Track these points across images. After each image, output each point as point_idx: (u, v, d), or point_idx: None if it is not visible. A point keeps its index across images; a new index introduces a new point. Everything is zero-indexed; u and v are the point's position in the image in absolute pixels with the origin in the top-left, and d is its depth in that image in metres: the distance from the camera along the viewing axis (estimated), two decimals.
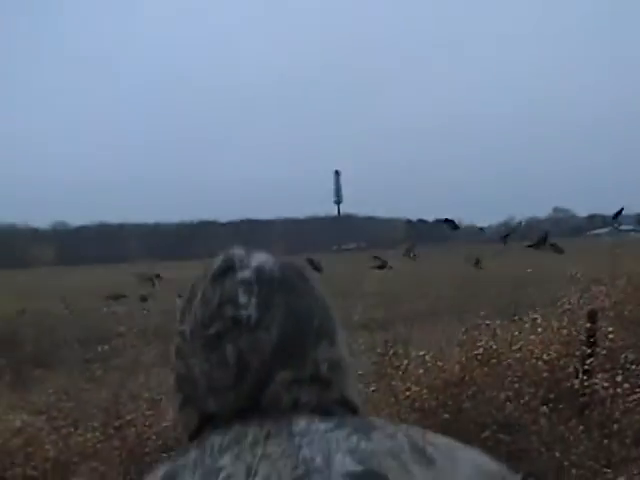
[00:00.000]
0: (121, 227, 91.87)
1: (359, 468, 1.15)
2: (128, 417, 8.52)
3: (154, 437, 8.22)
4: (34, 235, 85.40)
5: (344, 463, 1.16)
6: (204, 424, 1.30)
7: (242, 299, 1.28)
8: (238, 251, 1.38)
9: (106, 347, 11.25)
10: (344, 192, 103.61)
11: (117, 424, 8.44)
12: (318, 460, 1.17)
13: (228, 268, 1.34)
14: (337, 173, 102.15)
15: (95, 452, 8.19)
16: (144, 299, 26.14)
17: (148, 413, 8.64)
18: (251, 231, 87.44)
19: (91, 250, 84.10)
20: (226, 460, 1.20)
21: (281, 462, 1.17)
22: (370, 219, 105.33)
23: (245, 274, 1.31)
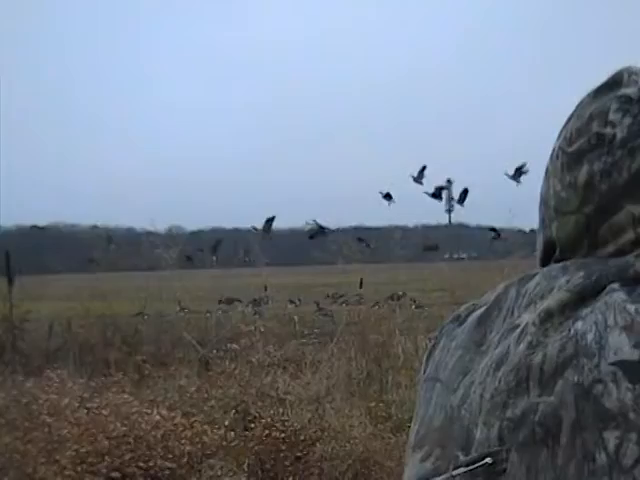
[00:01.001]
0: (235, 231, 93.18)
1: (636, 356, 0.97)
2: (258, 414, 8.88)
3: (282, 435, 8.54)
4: (154, 238, 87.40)
5: (619, 345, 0.99)
6: (549, 251, 1.22)
7: (613, 116, 1.13)
8: (635, 67, 1.19)
9: (227, 347, 11.72)
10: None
11: (247, 421, 8.80)
12: (589, 338, 1.02)
13: (614, 82, 1.17)
14: (449, 181, 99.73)
15: (226, 448, 8.56)
16: (256, 303, 26.66)
17: (276, 411, 8.98)
18: (360, 238, 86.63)
19: (208, 254, 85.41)
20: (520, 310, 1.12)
21: (551, 338, 1.05)
22: (482, 228, 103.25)
23: (628, 90, 1.15)
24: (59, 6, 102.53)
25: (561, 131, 1.21)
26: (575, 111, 1.18)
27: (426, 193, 22.84)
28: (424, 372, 1.31)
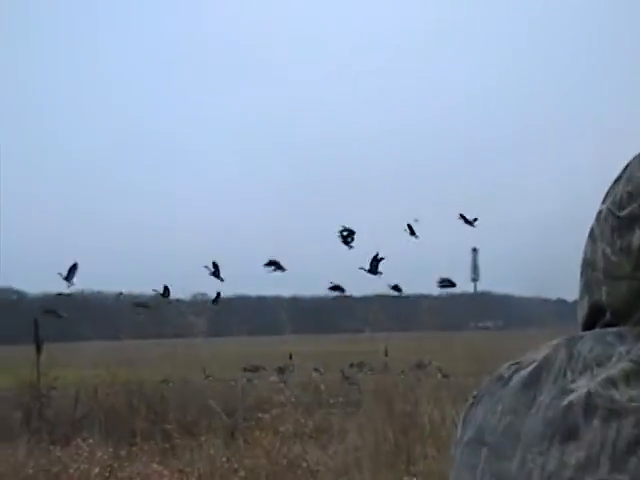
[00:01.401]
0: (261, 299, 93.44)
1: None
2: None
3: None
4: (180, 305, 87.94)
5: None
6: (596, 315, 1.19)
7: None
8: None
9: (254, 415, 11.69)
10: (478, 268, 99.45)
11: None
12: None
13: None
14: (474, 250, 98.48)
15: None
16: (281, 371, 26.65)
17: None
18: (386, 307, 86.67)
19: (234, 321, 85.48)
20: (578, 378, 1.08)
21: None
22: (506, 297, 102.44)
23: None
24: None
25: (608, 192, 1.17)
26: (624, 173, 1.14)
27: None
28: (461, 436, 1.25)
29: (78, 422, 16.39)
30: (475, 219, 23.29)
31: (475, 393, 1.26)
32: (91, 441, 11.65)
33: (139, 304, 31.05)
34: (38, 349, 20.73)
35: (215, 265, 24.12)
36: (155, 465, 9.87)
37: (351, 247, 21.74)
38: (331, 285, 23.83)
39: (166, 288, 23.37)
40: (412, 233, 23.05)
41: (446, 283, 24.87)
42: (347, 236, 22.22)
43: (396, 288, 24.14)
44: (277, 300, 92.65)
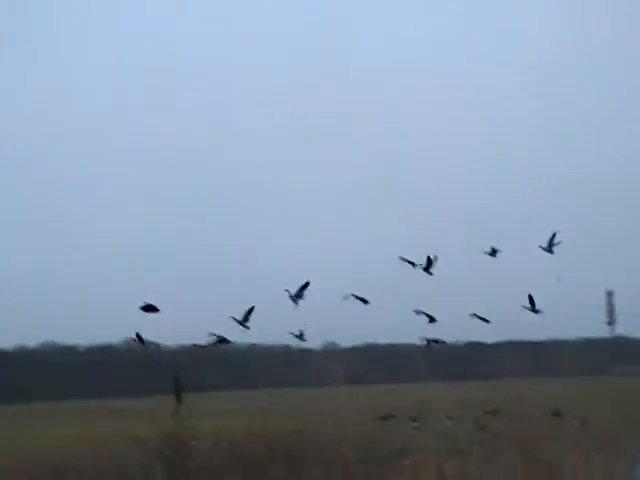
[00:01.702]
0: (392, 347, 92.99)
1: None
2: None
3: None
4: (310, 355, 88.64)
5: None
6: None
7: None
8: None
9: (392, 463, 11.63)
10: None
11: None
12: None
13: None
14: (609, 294, 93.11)
15: None
16: (415, 419, 26.41)
17: None
18: (518, 352, 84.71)
19: (369, 369, 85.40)
20: None
21: None
22: None
23: None
24: None
25: None
26: None
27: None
28: None
29: (218, 472, 16.65)
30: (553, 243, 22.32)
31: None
32: None
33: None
34: (178, 399, 21.22)
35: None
36: None
37: (430, 274, 21.61)
38: (427, 339, 23.41)
39: (301, 334, 23.62)
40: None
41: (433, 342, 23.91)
42: (429, 263, 22.05)
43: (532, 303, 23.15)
44: (410, 347, 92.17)
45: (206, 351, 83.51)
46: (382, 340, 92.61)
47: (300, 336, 22.29)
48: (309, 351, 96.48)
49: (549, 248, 21.00)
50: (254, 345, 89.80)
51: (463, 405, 29.78)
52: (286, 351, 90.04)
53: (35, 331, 79.76)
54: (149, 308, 21.58)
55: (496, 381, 53.77)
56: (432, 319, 21.39)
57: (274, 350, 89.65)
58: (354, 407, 27.95)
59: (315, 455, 18.06)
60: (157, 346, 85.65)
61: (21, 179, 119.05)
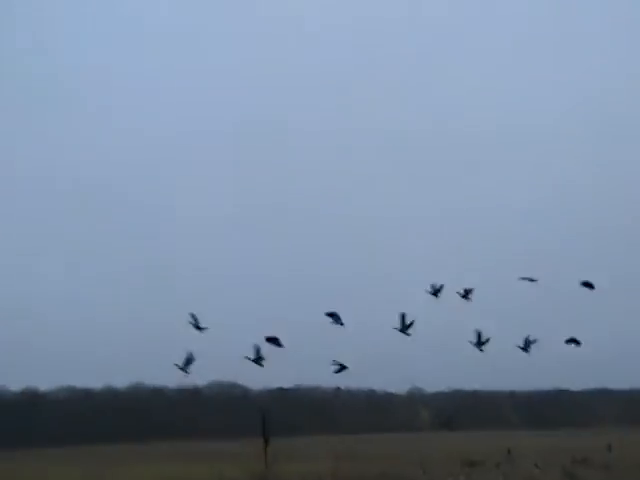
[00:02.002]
0: (474, 394, 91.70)
1: None
2: None
3: None
4: (395, 399, 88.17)
5: None
6: None
7: None
8: None
9: None
10: None
11: None
12: None
13: None
14: None
15: None
16: (498, 466, 26.38)
17: None
18: (603, 401, 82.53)
19: (452, 414, 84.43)
20: None
21: None
22: None
23: None
24: None
25: None
26: None
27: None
28: None
29: None
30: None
31: None
32: None
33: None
34: (266, 442, 21.75)
35: None
36: None
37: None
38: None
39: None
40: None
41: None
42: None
43: None
44: (494, 394, 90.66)
45: (292, 395, 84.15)
46: (466, 386, 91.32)
47: (339, 369, 22.55)
48: (394, 395, 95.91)
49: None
50: (339, 389, 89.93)
51: (551, 453, 29.43)
52: (370, 395, 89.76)
53: (123, 372, 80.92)
54: (272, 340, 22.14)
55: (585, 429, 52.49)
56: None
57: (359, 394, 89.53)
58: (440, 452, 27.85)
59: None
60: (245, 389, 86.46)
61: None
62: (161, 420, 73.23)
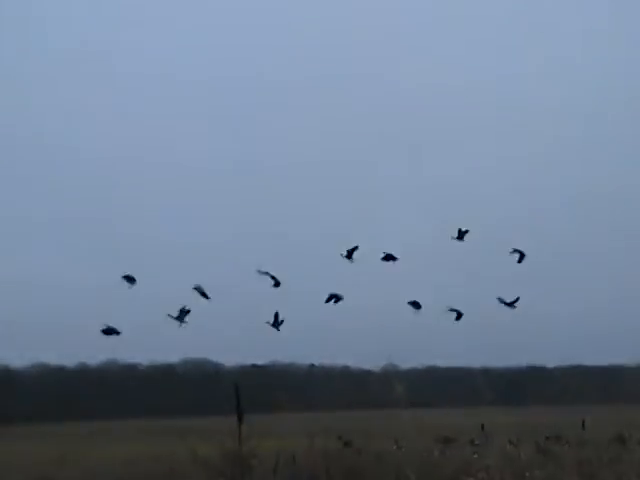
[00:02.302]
0: (448, 370, 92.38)
1: None
2: None
3: None
4: (368, 376, 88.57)
5: None
6: None
7: None
8: None
9: None
10: None
11: None
12: None
13: None
14: None
15: None
16: (473, 442, 26.36)
17: None
18: (577, 378, 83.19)
19: (428, 393, 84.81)
20: None
21: None
22: None
23: None
24: None
25: None
26: None
27: None
28: None
29: None
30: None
31: None
32: None
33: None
34: (239, 419, 21.56)
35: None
36: None
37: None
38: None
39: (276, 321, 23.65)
40: None
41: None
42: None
43: None
44: (468, 371, 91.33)
45: (266, 371, 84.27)
46: (441, 363, 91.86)
47: (275, 324, 22.63)
48: (369, 372, 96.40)
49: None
50: (313, 366, 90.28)
51: (523, 430, 29.60)
52: (344, 372, 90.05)
53: (97, 349, 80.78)
54: (109, 331, 22.27)
55: (558, 406, 53.00)
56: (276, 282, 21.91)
57: (333, 371, 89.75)
58: (415, 429, 27.98)
59: (375, 474, 18.22)
60: (218, 366, 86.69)
61: None
62: (134, 397, 73.21)
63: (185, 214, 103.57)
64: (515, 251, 22.77)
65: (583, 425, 26.84)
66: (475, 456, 21.72)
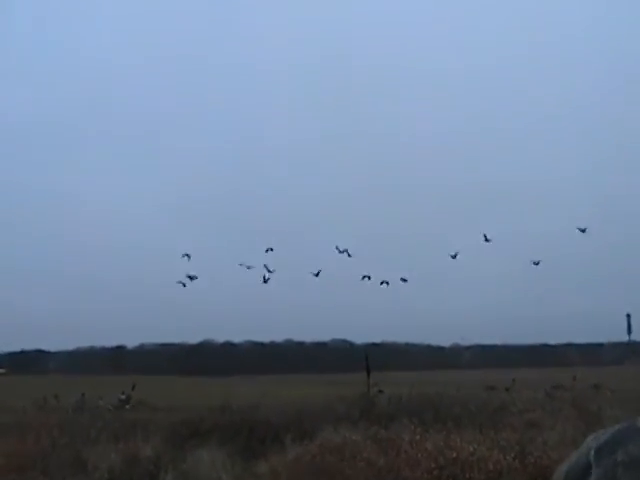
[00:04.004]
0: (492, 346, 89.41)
1: None
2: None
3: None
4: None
5: None
6: None
7: None
8: None
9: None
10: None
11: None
12: None
13: None
14: (628, 316, 68.47)
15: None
16: (507, 390, 25.94)
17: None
18: (570, 350, 79.65)
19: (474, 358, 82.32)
20: None
21: None
22: None
23: None
24: None
25: None
26: None
27: None
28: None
29: (392, 415, 17.18)
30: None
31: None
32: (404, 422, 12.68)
33: None
34: (368, 374, 22.34)
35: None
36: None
37: None
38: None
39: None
40: None
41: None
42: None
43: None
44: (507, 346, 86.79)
45: (383, 347, 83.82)
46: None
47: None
48: (442, 347, 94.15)
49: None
50: (407, 344, 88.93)
51: (539, 382, 29.06)
52: (428, 347, 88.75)
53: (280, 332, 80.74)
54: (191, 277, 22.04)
55: (561, 367, 51.42)
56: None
57: (421, 345, 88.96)
58: (470, 381, 27.83)
59: (451, 406, 18.23)
60: (351, 343, 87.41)
61: None
62: (297, 361, 74.97)
63: None
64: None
65: (574, 379, 26.26)
66: (508, 398, 21.60)
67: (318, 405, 18.99)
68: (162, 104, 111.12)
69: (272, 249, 22.03)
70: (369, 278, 22.48)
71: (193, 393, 29.78)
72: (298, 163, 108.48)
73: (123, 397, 23.82)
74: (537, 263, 23.03)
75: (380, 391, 21.57)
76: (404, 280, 23.14)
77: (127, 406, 22.83)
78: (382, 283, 22.66)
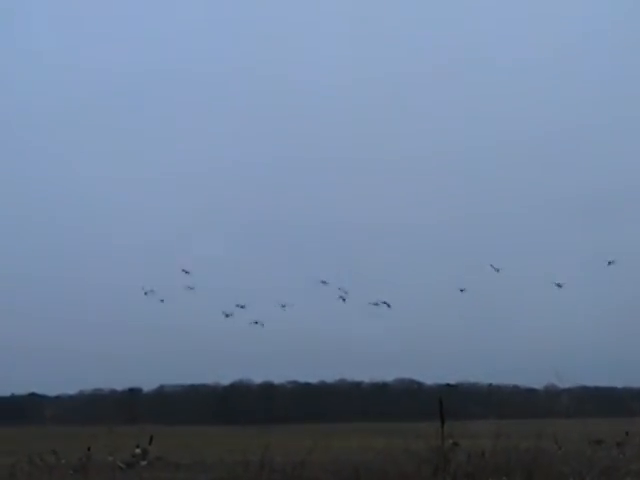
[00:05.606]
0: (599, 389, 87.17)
1: None
2: None
3: None
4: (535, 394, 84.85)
5: None
6: None
7: None
8: None
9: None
10: None
11: None
12: None
13: None
14: None
15: None
16: (619, 445, 25.70)
17: None
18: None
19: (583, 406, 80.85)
20: None
21: None
22: None
23: None
24: None
25: None
26: None
27: None
28: None
29: (473, 475, 17.42)
30: None
31: None
32: None
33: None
34: (442, 424, 22.49)
35: None
36: None
37: None
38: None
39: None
40: None
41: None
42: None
43: None
44: (613, 390, 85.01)
45: (456, 389, 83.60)
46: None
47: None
48: (534, 390, 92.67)
49: None
50: (491, 385, 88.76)
51: None
52: (514, 389, 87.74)
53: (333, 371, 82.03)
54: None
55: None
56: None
57: (506, 388, 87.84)
58: (573, 434, 27.47)
59: (545, 467, 18.31)
60: (419, 384, 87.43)
61: None
62: (359, 406, 75.09)
63: None
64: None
65: None
66: (621, 456, 21.35)
67: (379, 462, 19.50)
68: None
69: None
70: None
71: (224, 446, 30.22)
72: None
73: (138, 452, 24.24)
74: (611, 263, 22.72)
75: (455, 444, 21.73)
76: (387, 305, 23.32)
77: (143, 462, 23.18)
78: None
